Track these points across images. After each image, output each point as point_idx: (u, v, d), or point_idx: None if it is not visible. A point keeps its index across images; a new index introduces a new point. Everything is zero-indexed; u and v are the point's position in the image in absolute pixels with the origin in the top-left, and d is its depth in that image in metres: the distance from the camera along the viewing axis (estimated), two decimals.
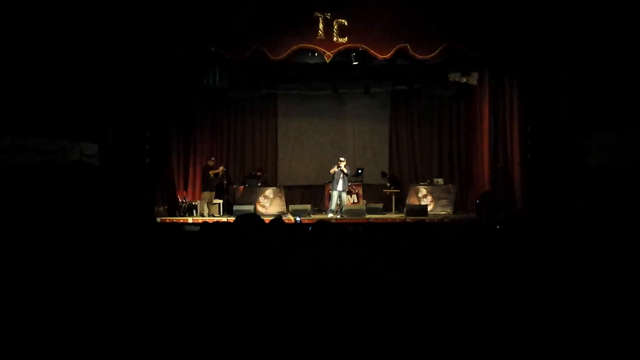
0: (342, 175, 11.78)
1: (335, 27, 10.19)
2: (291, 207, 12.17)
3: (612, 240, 3.21)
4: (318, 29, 10.18)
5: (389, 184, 13.72)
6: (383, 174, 14.03)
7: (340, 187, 11.81)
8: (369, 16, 10.25)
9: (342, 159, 11.96)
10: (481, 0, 10.13)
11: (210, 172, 12.40)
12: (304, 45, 10.36)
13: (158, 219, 10.80)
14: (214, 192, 12.42)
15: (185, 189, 13.03)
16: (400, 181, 14.01)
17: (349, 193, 12.75)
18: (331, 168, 12.01)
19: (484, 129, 12.89)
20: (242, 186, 13.06)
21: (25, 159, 8.67)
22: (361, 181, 13.32)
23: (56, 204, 7.76)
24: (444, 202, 12.65)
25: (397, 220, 10.81)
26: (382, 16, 10.23)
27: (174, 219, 11.20)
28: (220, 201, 12.48)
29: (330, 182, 12.07)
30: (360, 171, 13.42)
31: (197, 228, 3.86)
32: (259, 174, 13.58)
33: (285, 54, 10.37)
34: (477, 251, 3.06)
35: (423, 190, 12.74)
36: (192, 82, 12.71)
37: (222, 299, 2.77)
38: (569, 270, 2.82)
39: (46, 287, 2.86)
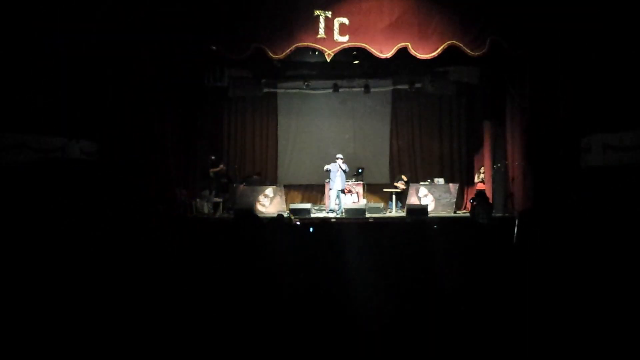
0: (339, 172, 11.76)
1: (336, 26, 10.17)
2: (291, 206, 12.15)
3: (612, 241, 3.20)
4: (318, 27, 10.17)
5: (401, 184, 13.31)
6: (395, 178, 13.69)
7: (339, 185, 11.80)
8: (370, 15, 10.22)
9: (339, 155, 11.92)
10: (481, 0, 10.12)
11: (210, 171, 12.38)
12: (304, 43, 10.34)
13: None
14: (213, 191, 12.41)
15: (185, 187, 13.00)
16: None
17: (349, 192, 12.73)
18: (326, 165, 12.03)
19: (484, 128, 12.88)
20: (242, 185, 13.05)
21: (25, 157, 8.68)
22: (362, 180, 13.29)
23: (56, 201, 7.76)
24: (444, 201, 12.62)
25: (397, 220, 10.79)
26: (382, 15, 10.21)
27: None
28: (220, 200, 12.46)
29: (329, 180, 12.05)
30: (360, 170, 13.39)
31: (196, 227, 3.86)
32: (256, 177, 13.57)
33: (285, 53, 10.35)
34: (474, 250, 3.05)
35: (424, 190, 12.72)
36: (192, 80, 12.69)
37: (220, 296, 2.76)
38: (569, 269, 2.80)
39: (46, 283, 2.85)
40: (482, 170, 12.76)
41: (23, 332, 2.50)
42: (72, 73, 9.31)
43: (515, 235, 3.30)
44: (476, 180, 12.86)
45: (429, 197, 12.60)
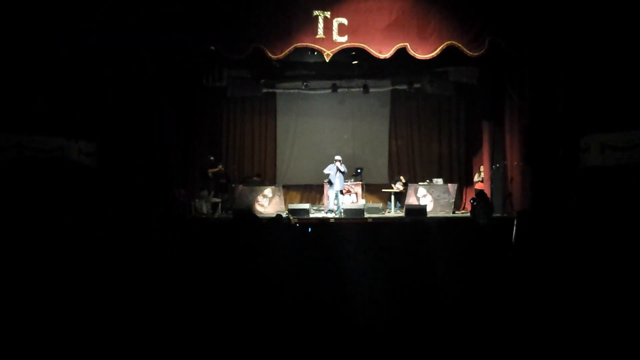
0: (338, 173, 11.78)
1: (335, 26, 10.17)
2: (290, 206, 12.15)
3: (611, 240, 3.20)
4: (317, 27, 10.17)
5: (400, 186, 13.31)
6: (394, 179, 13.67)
7: (337, 186, 11.81)
8: (369, 15, 10.23)
9: (337, 157, 11.94)
10: (480, 0, 10.13)
11: (209, 171, 12.37)
12: (303, 44, 10.34)
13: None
14: (212, 191, 12.40)
15: (184, 187, 13.00)
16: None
17: (348, 192, 12.73)
18: (326, 167, 12.03)
19: (483, 129, 12.89)
20: (241, 185, 13.05)
21: (23, 157, 8.68)
22: (361, 181, 13.29)
23: (55, 201, 7.75)
24: (443, 201, 12.62)
25: (396, 220, 10.79)
26: (381, 15, 10.22)
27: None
28: (219, 200, 12.45)
29: (328, 181, 12.07)
30: (359, 170, 13.38)
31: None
32: (257, 178, 13.56)
33: (284, 53, 10.35)
34: (473, 250, 3.05)
35: (422, 190, 12.72)
36: (192, 80, 12.70)
37: (219, 297, 2.76)
38: (568, 269, 2.81)
39: (46, 282, 2.85)
40: (481, 169, 12.77)
41: (23, 330, 2.50)
42: (72, 73, 9.30)
43: (513, 235, 3.31)
44: (476, 179, 12.86)
45: (428, 198, 12.60)
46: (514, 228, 3.36)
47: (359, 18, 10.22)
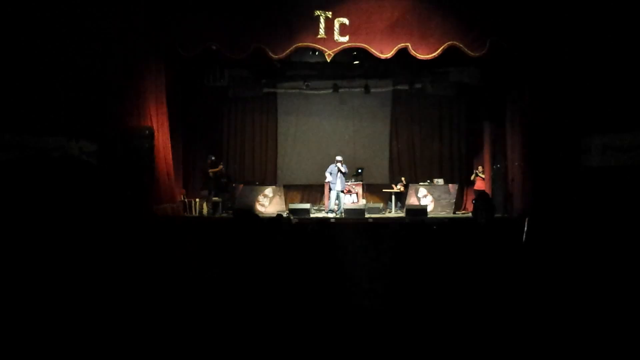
0: (339, 174, 11.77)
1: (336, 26, 10.17)
2: (290, 206, 12.15)
3: (611, 241, 3.19)
4: (319, 27, 10.17)
5: (400, 187, 13.32)
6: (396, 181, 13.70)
7: (338, 186, 11.81)
8: (370, 15, 10.23)
9: (338, 157, 11.93)
10: (481, 0, 10.12)
11: (210, 171, 12.37)
12: (304, 44, 10.34)
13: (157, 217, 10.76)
14: (213, 190, 12.41)
15: (185, 186, 13.00)
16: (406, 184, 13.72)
17: (349, 192, 12.73)
18: (327, 169, 12.02)
19: (484, 129, 12.88)
20: (242, 184, 13.06)
21: (24, 156, 8.66)
22: (361, 181, 13.29)
23: (55, 201, 7.74)
24: (444, 202, 12.62)
25: (397, 220, 10.78)
26: (383, 15, 10.22)
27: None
28: (220, 199, 12.46)
29: (329, 181, 12.07)
30: (360, 171, 13.39)
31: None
32: (258, 184, 13.55)
33: (286, 53, 10.35)
34: (474, 250, 3.05)
35: (423, 190, 12.72)
36: (192, 80, 12.69)
37: (220, 295, 2.76)
38: (569, 270, 2.80)
39: (45, 282, 2.85)
40: (480, 169, 12.76)
41: (21, 329, 2.50)
42: (72, 73, 9.29)
43: (524, 235, 3.29)
44: (472, 178, 12.85)
45: (429, 198, 12.60)
46: (525, 228, 3.34)
47: (361, 18, 10.22)
